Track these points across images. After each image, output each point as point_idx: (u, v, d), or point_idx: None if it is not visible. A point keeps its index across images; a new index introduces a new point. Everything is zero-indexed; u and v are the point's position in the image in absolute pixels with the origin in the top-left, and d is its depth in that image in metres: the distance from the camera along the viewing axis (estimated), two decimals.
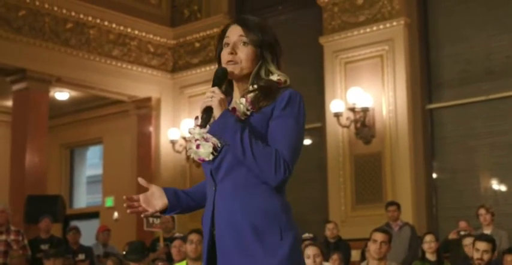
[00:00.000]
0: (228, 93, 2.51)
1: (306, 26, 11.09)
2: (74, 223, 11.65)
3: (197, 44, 12.16)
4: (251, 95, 2.42)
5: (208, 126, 2.39)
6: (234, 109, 2.40)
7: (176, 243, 6.84)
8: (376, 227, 6.05)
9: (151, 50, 12.15)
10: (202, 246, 2.56)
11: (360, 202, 9.74)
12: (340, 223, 9.17)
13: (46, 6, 10.61)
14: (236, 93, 2.51)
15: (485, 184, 9.48)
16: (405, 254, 8.00)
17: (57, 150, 14.06)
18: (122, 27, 11.63)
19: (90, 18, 11.17)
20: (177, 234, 8.47)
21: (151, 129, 12.09)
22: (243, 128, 2.32)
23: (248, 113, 2.41)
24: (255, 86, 2.45)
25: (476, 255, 5.50)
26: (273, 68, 2.49)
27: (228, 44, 2.49)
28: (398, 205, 8.39)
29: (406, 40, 9.77)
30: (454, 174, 9.65)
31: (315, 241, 7.09)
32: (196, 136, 2.47)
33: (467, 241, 6.74)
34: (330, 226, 8.65)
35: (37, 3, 10.51)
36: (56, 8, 10.73)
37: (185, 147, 11.11)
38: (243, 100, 2.42)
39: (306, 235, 7.68)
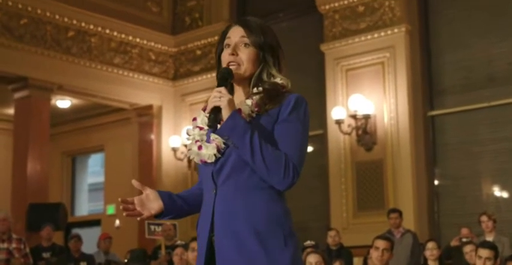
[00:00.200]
0: (230, 94, 2.45)
1: (307, 33, 11.11)
2: (76, 231, 11.64)
3: (198, 52, 12.18)
4: (257, 97, 2.39)
5: (213, 126, 2.33)
6: (239, 110, 2.35)
7: (178, 250, 6.83)
8: (378, 234, 6.04)
9: (153, 57, 12.17)
10: (197, 251, 2.48)
11: (361, 210, 9.72)
12: (342, 230, 9.15)
13: (48, 14, 10.64)
14: (236, 95, 2.46)
15: (487, 191, 9.47)
16: (407, 261, 7.98)
17: (59, 157, 14.06)
18: (123, 35, 11.65)
19: (91, 27, 11.20)
20: (178, 242, 8.44)
21: (152, 136, 12.09)
22: (253, 130, 2.27)
23: (253, 114, 2.37)
24: (260, 88, 2.41)
25: (478, 262, 5.49)
26: (274, 71, 2.46)
27: (229, 45, 2.45)
28: (400, 212, 8.38)
29: (407, 47, 9.77)
30: (456, 181, 9.64)
31: (317, 249, 7.06)
32: (197, 137, 2.44)
33: (468, 248, 6.73)
34: (331, 233, 8.62)
35: (39, 11, 10.53)
36: (57, 17, 10.76)
37: (187, 155, 11.11)
38: (249, 101, 2.38)
39: (308, 242, 7.64)
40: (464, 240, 7.79)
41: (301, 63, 10.56)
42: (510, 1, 9.48)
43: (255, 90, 2.42)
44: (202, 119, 2.50)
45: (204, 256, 2.35)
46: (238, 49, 2.43)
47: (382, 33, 9.93)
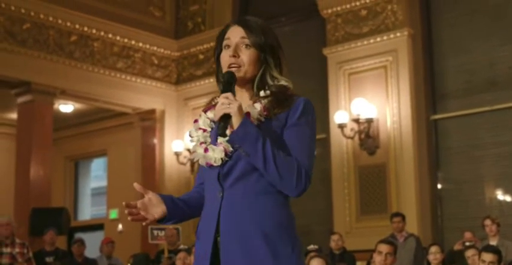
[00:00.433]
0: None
1: (310, 37, 11.12)
2: (79, 235, 11.64)
3: (201, 56, 12.19)
4: (265, 100, 2.35)
5: (223, 134, 2.27)
6: (248, 114, 2.32)
7: (181, 255, 6.84)
8: (381, 238, 6.05)
9: (156, 62, 12.18)
10: (196, 253, 2.43)
11: (364, 214, 9.71)
12: (345, 234, 9.15)
13: (50, 19, 10.66)
14: (238, 97, 2.36)
15: (491, 195, 9.46)
16: None
17: (62, 162, 14.07)
18: (126, 40, 11.67)
19: (94, 31, 11.21)
20: (181, 246, 8.45)
21: (155, 141, 12.09)
22: (264, 137, 2.24)
23: (262, 118, 2.34)
24: (268, 92, 2.37)
25: None
26: (276, 73, 2.41)
27: (228, 46, 2.39)
28: (403, 216, 8.37)
29: (409, 51, 9.78)
30: (459, 185, 9.62)
31: (320, 253, 7.06)
32: (201, 139, 2.40)
33: (470, 252, 6.71)
34: (334, 237, 8.62)
35: (41, 16, 10.55)
36: (60, 21, 10.77)
37: (190, 159, 11.11)
38: (258, 105, 2.35)
39: (311, 246, 7.64)
40: (467, 244, 7.77)
41: (303, 67, 10.57)
42: None
43: (261, 93, 2.38)
44: (204, 121, 2.46)
45: (209, 259, 2.31)
46: (240, 50, 2.37)
47: (385, 37, 9.94)
